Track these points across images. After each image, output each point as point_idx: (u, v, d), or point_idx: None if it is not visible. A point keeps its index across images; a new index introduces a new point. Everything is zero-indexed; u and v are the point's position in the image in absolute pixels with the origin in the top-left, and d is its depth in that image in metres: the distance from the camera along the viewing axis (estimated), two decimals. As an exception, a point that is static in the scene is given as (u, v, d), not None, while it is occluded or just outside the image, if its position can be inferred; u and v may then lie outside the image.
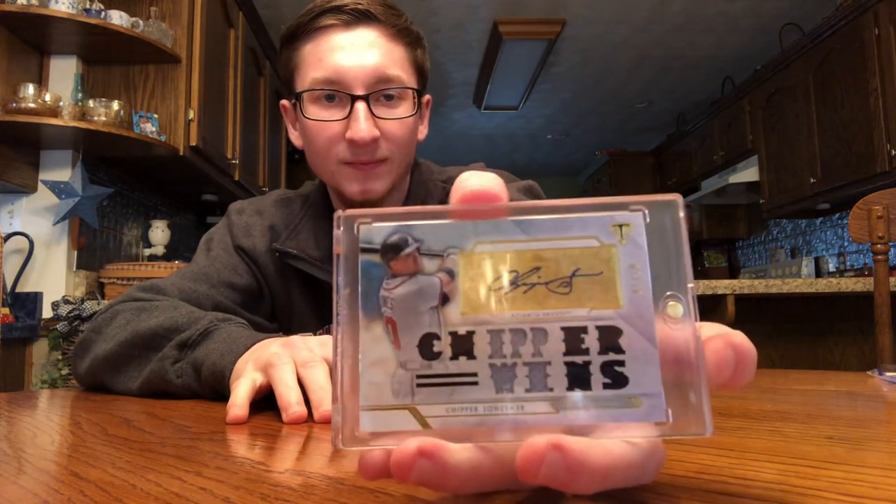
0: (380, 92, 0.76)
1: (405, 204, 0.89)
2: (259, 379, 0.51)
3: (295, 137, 0.86)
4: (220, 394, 0.56)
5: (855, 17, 3.24)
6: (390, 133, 0.77)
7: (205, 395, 0.60)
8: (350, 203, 0.82)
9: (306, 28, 0.78)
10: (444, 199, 0.91)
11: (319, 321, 0.87)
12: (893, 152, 3.00)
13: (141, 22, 2.32)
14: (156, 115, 2.39)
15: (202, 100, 2.51)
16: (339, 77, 0.75)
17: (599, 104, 5.52)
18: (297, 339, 0.55)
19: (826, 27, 3.46)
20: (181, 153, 2.40)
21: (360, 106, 0.75)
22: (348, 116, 0.76)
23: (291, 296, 0.87)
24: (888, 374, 0.61)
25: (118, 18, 2.22)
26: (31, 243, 2.18)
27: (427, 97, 0.86)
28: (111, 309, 0.73)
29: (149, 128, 2.33)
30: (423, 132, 0.87)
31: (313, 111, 0.78)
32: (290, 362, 0.51)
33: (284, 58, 0.82)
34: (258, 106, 3.46)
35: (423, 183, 0.91)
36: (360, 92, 0.75)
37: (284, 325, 0.89)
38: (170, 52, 2.37)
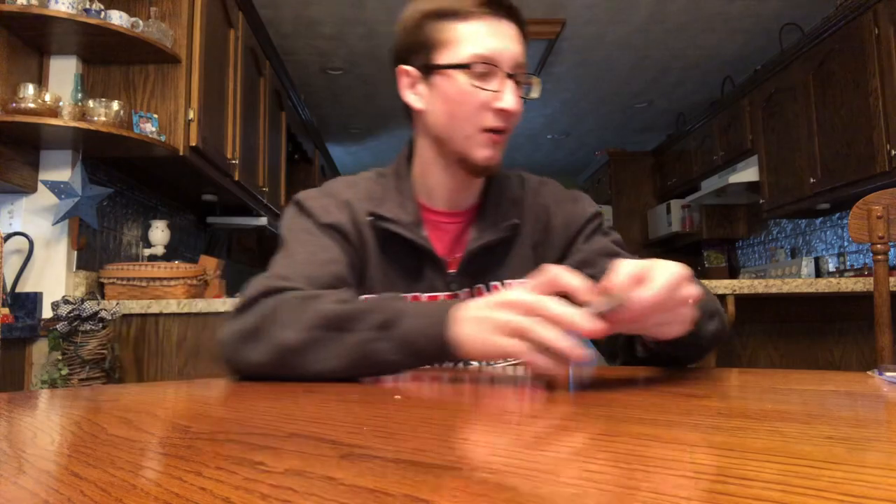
0: (519, 75, 0.90)
1: (488, 199, 1.00)
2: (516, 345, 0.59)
3: (414, 100, 0.96)
4: (437, 361, 0.68)
5: (855, 17, 3.24)
6: (520, 110, 0.91)
7: (416, 366, 0.70)
8: (468, 167, 0.93)
9: (463, 9, 0.90)
10: (526, 201, 1.02)
11: (406, 284, 0.95)
12: (893, 152, 3.00)
13: (141, 22, 2.32)
14: (156, 116, 2.38)
15: (202, 100, 2.51)
16: (497, 56, 0.88)
17: (599, 104, 5.52)
18: (504, 297, 0.63)
19: (826, 27, 3.46)
20: (181, 153, 2.40)
21: (510, 82, 0.89)
22: (498, 90, 0.88)
23: (376, 262, 0.94)
24: (888, 374, 0.61)
25: (118, 18, 2.22)
26: (31, 243, 2.18)
27: None
28: (266, 303, 0.77)
29: (149, 128, 2.33)
30: None
31: (469, 80, 0.89)
32: (535, 320, 0.58)
33: (425, 29, 0.92)
34: (258, 106, 3.46)
35: (510, 188, 1.03)
36: (510, 71, 0.89)
37: (368, 291, 0.94)
38: (170, 52, 2.37)
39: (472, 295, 0.96)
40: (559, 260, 0.99)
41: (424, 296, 0.95)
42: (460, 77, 0.89)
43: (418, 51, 0.93)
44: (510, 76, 0.89)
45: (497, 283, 0.98)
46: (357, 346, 0.68)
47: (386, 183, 0.99)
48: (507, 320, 0.60)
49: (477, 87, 0.88)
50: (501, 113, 0.89)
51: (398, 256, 0.94)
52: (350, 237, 0.93)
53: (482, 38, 0.89)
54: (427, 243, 0.93)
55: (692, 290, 0.62)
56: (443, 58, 0.90)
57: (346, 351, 0.69)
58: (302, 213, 0.94)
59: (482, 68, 0.88)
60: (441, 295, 0.95)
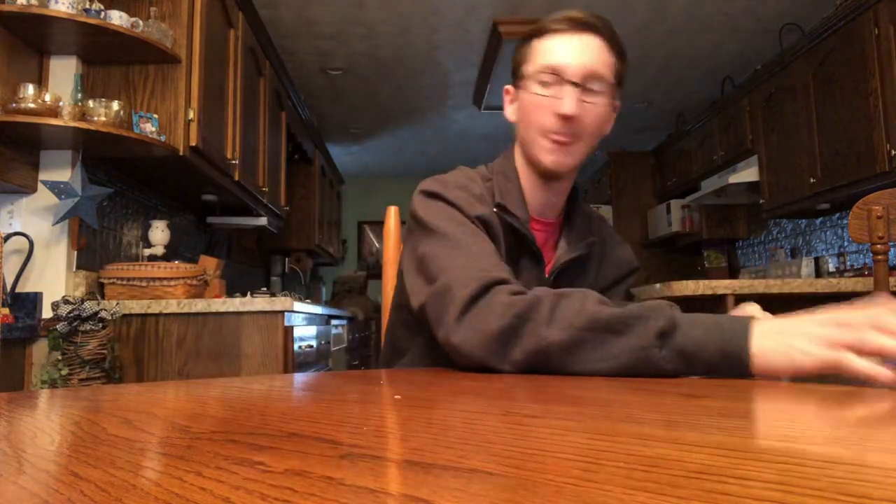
0: (589, 83, 0.96)
1: (574, 214, 1.10)
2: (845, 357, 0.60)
3: (510, 113, 1.07)
4: (721, 372, 0.68)
5: (855, 17, 3.24)
6: (587, 116, 0.96)
7: (692, 374, 0.70)
8: (539, 171, 1.02)
9: (545, 28, 1.00)
10: (593, 225, 1.14)
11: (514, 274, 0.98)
12: (893, 152, 3.00)
13: (141, 22, 2.32)
14: (156, 116, 2.38)
15: (202, 100, 2.51)
16: (561, 66, 0.96)
17: (599, 104, 5.51)
18: (838, 316, 0.62)
19: (826, 27, 3.46)
20: (181, 153, 2.40)
21: (571, 89, 0.95)
22: (561, 97, 0.95)
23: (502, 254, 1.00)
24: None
25: (118, 18, 2.22)
26: (31, 243, 2.18)
27: (617, 103, 1.04)
28: (506, 300, 0.79)
29: (149, 128, 2.33)
30: (610, 126, 1.05)
31: (535, 88, 0.98)
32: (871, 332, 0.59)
33: (519, 51, 1.04)
34: (258, 106, 3.45)
35: (584, 210, 1.13)
36: (574, 80, 0.95)
37: None
38: (170, 52, 2.37)
39: None
40: (605, 290, 1.10)
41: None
42: (531, 86, 0.98)
43: (515, 70, 1.05)
44: (576, 84, 0.95)
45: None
46: (633, 351, 0.71)
47: (503, 181, 1.05)
48: (840, 335, 0.60)
49: (540, 94, 0.97)
50: (560, 118, 0.95)
51: (514, 248, 1.01)
52: (490, 230, 0.98)
53: (553, 50, 0.97)
54: (535, 243, 1.01)
55: None
56: (524, 72, 1.01)
57: (621, 354, 0.71)
58: (447, 205, 0.97)
59: (547, 77, 0.96)
60: None
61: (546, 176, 1.02)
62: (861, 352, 0.59)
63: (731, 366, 0.67)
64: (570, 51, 0.97)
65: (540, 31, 1.01)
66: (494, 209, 1.00)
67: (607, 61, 0.98)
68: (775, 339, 0.64)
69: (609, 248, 1.16)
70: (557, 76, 0.96)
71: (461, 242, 0.91)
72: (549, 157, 0.98)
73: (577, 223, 1.10)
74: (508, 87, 1.07)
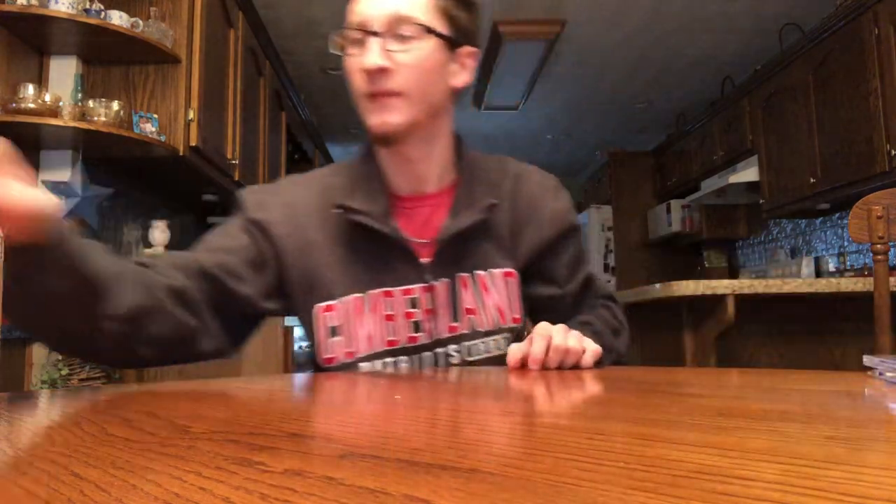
0: (398, 29, 0.86)
1: (461, 181, 0.96)
2: None
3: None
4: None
5: (855, 17, 3.24)
6: (402, 64, 0.86)
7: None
8: (375, 139, 0.91)
9: None
10: (505, 185, 0.99)
11: (372, 278, 0.91)
12: (893, 152, 3.00)
13: (141, 22, 2.32)
14: (156, 116, 2.38)
15: (202, 100, 2.51)
16: (364, 18, 0.87)
17: (599, 104, 5.52)
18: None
19: (826, 27, 3.46)
20: (181, 153, 2.40)
21: (373, 40, 0.85)
22: (364, 50, 0.86)
23: (335, 260, 0.91)
24: (888, 374, 0.61)
25: (118, 18, 2.22)
26: (31, 243, 2.18)
27: (470, 49, 0.94)
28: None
29: (149, 128, 2.33)
30: (462, 78, 0.94)
31: (347, 51, 0.89)
32: None
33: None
34: (258, 106, 3.45)
35: (486, 170, 1.00)
36: (375, 30, 0.85)
37: (300, 296, 0.92)
38: (170, 52, 2.37)
39: (452, 285, 0.93)
40: (537, 255, 0.99)
41: (397, 289, 0.91)
42: (347, 50, 0.89)
43: None
44: (377, 34, 0.85)
45: (481, 272, 0.94)
46: None
47: (354, 174, 0.96)
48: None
49: (349, 54, 0.88)
50: (366, 74, 0.86)
51: (367, 250, 0.91)
52: (277, 238, 0.91)
53: (357, 6, 0.88)
54: (396, 233, 0.90)
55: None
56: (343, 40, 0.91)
57: None
58: (237, 207, 0.94)
59: (356, 35, 0.87)
60: (415, 287, 0.91)
61: (383, 142, 0.90)
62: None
63: None
64: (371, 1, 0.87)
65: None
66: (336, 210, 0.91)
67: (419, 1, 0.88)
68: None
69: (540, 206, 1.00)
70: (363, 31, 0.86)
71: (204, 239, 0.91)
72: (371, 119, 0.88)
73: (465, 188, 0.95)
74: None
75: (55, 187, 2.18)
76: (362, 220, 0.89)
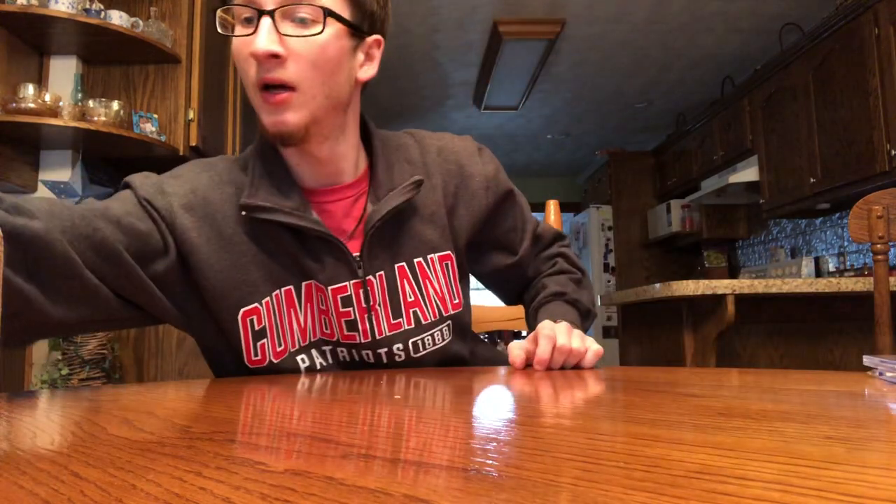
0: (288, 8, 0.73)
1: (376, 164, 0.86)
2: None
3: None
4: None
5: (855, 17, 3.24)
6: (297, 52, 0.74)
7: None
8: (269, 139, 0.79)
9: None
10: (428, 158, 0.90)
11: (299, 279, 0.82)
12: (893, 152, 3.00)
13: (141, 22, 2.32)
14: (156, 115, 2.39)
15: (202, 100, 2.51)
16: None
17: (599, 104, 5.52)
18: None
19: (826, 27, 3.46)
20: (181, 153, 2.40)
21: (264, 20, 0.73)
22: (254, 32, 0.73)
23: (252, 262, 0.80)
24: (888, 374, 0.61)
25: (118, 18, 2.23)
26: (31, 243, 2.18)
27: (374, 38, 0.83)
28: None
29: (149, 128, 2.33)
30: (368, 71, 0.84)
31: (236, 30, 0.76)
32: None
33: None
34: (258, 106, 3.46)
35: (401, 147, 0.90)
36: (265, 8, 0.73)
37: (213, 301, 0.79)
38: (170, 52, 2.37)
39: (391, 277, 0.85)
40: (478, 228, 0.94)
41: (329, 289, 0.82)
42: (236, 29, 0.76)
43: None
44: (267, 13, 0.73)
45: (420, 259, 0.87)
46: None
47: (258, 170, 0.82)
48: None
49: (236, 35, 0.75)
50: (256, 59, 0.73)
51: (285, 249, 0.81)
52: (178, 229, 0.77)
53: None
54: (319, 226, 0.79)
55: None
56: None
57: None
58: (125, 188, 0.80)
59: (246, 13, 0.75)
60: (348, 283, 0.82)
61: (280, 143, 0.79)
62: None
63: None
64: None
65: None
66: (243, 212, 0.79)
67: None
68: None
69: (469, 174, 0.92)
70: (253, 9, 0.74)
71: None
72: (265, 118, 0.76)
73: (384, 171, 0.86)
74: None
75: (55, 187, 2.18)
76: (277, 219, 0.78)
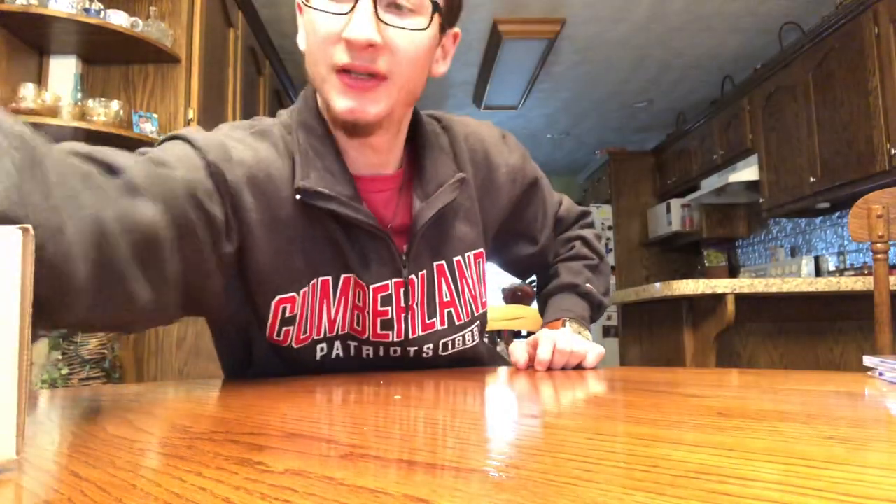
0: None
1: (423, 157, 0.82)
2: None
3: (300, 39, 0.76)
4: None
5: (855, 17, 3.24)
6: (395, 45, 0.69)
7: None
8: (336, 122, 0.73)
9: None
10: (458, 147, 0.86)
11: (339, 267, 0.76)
12: (893, 151, 3.00)
13: (140, 22, 2.32)
14: (155, 115, 2.38)
15: (202, 100, 2.51)
16: None
17: (599, 104, 5.52)
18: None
19: (826, 26, 3.46)
20: (181, 153, 2.40)
21: (364, 3, 0.66)
22: (350, 12, 0.67)
23: (294, 247, 0.74)
24: (888, 374, 0.61)
25: (118, 18, 2.23)
26: (31, 243, 2.18)
27: (455, 31, 0.80)
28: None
29: (148, 127, 2.33)
30: (442, 67, 0.80)
31: (317, 2, 0.69)
32: None
33: None
34: (258, 106, 3.45)
35: (437, 135, 0.86)
36: None
37: (255, 284, 0.73)
38: (169, 51, 2.37)
39: (431, 277, 0.82)
40: (504, 218, 0.92)
41: (370, 287, 0.77)
42: (312, 1, 0.69)
43: None
44: None
45: (459, 258, 0.84)
46: None
47: (307, 142, 0.75)
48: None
49: (321, 10, 0.68)
50: (348, 45, 0.67)
51: (331, 238, 0.75)
52: (241, 208, 0.69)
53: None
54: (373, 220, 0.74)
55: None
56: None
57: None
58: (190, 147, 0.70)
59: None
60: (390, 282, 0.78)
61: (350, 131, 0.73)
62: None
63: None
64: None
65: None
66: (298, 196, 0.71)
67: None
68: None
69: (496, 164, 0.89)
70: None
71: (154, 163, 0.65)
72: (343, 102, 0.69)
73: (437, 163, 0.82)
74: (300, 1, 0.74)
75: (55, 187, 2.18)
76: (333, 207, 0.72)
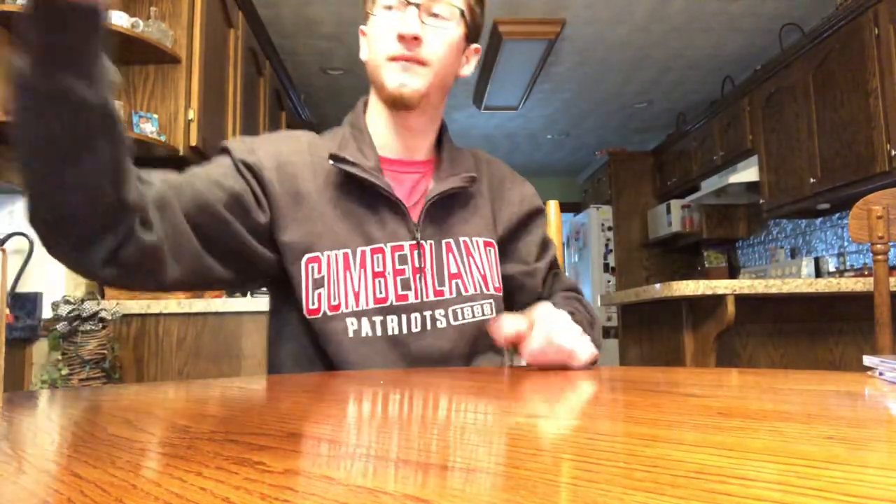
0: (433, 7, 0.92)
1: (443, 153, 1.03)
2: None
3: (363, 53, 1.00)
4: None
5: (855, 17, 3.24)
6: (433, 38, 0.92)
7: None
8: (387, 100, 0.94)
9: None
10: (480, 166, 1.07)
11: (364, 233, 0.92)
12: (893, 152, 3.00)
13: (141, 22, 2.32)
14: (155, 116, 2.38)
15: (202, 100, 2.51)
16: None
17: (599, 104, 5.52)
18: None
19: (826, 27, 3.46)
20: (181, 153, 2.40)
21: (412, 8, 0.91)
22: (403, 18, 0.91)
23: (325, 212, 0.92)
24: (889, 374, 0.61)
25: (118, 18, 2.22)
26: (31, 243, 2.18)
27: (476, 46, 1.02)
28: None
29: (148, 128, 2.33)
30: (466, 70, 1.03)
31: (378, 13, 0.94)
32: None
33: None
34: (258, 106, 3.45)
35: (461, 152, 1.06)
36: (418, 1, 0.91)
37: (288, 249, 0.90)
38: (170, 52, 2.37)
39: (439, 248, 0.96)
40: (512, 230, 1.06)
41: (388, 245, 0.93)
42: (375, 12, 0.95)
43: (364, 9, 1.00)
44: (415, 4, 0.91)
45: (466, 239, 0.99)
46: None
47: (342, 133, 0.99)
48: None
49: (382, 18, 0.93)
50: (401, 38, 0.91)
51: (358, 203, 0.94)
52: (268, 183, 0.90)
53: None
54: (389, 189, 0.93)
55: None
56: (368, 7, 0.97)
57: None
58: (222, 153, 0.94)
59: (390, 1, 0.93)
60: (405, 244, 0.94)
61: (394, 105, 0.95)
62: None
63: None
64: None
65: None
66: (331, 161, 0.93)
67: None
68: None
69: (509, 187, 1.08)
70: (405, 1, 0.92)
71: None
72: (393, 78, 0.93)
73: (448, 159, 1.03)
74: (362, 27, 1.01)
75: (55, 187, 2.18)
76: (356, 172, 0.91)
